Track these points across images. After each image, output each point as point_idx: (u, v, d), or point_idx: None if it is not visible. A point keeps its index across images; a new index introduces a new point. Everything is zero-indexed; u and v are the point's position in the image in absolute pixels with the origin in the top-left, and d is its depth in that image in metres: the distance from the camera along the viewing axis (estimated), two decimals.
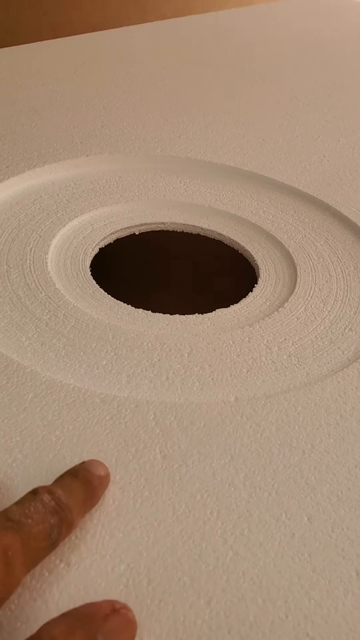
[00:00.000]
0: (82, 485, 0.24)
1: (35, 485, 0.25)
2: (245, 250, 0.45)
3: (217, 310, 0.39)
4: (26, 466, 0.26)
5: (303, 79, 0.72)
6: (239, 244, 0.46)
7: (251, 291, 0.41)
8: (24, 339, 0.34)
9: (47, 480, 0.26)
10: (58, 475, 0.25)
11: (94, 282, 0.40)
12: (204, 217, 0.48)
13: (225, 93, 0.65)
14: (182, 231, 0.48)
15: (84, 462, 0.26)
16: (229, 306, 0.39)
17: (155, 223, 0.47)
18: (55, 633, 0.19)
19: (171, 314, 0.38)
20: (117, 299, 0.38)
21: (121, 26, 0.94)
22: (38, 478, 0.26)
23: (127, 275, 0.51)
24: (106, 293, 0.39)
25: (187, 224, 0.47)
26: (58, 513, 0.22)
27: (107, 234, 0.45)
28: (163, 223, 0.47)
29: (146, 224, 0.47)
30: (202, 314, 0.38)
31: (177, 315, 0.38)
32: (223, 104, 0.62)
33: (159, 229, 0.47)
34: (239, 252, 0.46)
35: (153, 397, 0.31)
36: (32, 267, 0.39)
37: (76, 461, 0.27)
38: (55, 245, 0.42)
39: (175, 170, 0.52)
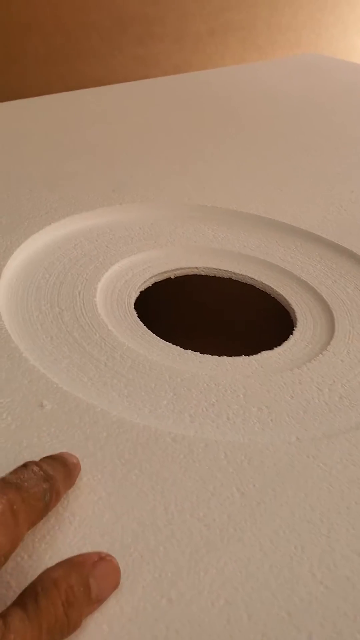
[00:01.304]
0: (62, 465, 0.27)
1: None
2: (279, 295, 0.47)
3: (262, 352, 0.40)
4: (112, 504, 0.27)
5: (309, 133, 0.76)
6: (271, 288, 0.48)
7: (292, 334, 0.42)
8: (85, 379, 0.35)
9: (137, 517, 0.26)
10: (147, 515, 0.26)
11: (142, 324, 0.41)
12: (235, 262, 0.50)
13: (238, 146, 0.68)
14: (215, 275, 0.49)
15: (58, 453, 0.29)
16: (272, 348, 0.41)
17: (189, 267, 0.49)
18: (54, 576, 0.22)
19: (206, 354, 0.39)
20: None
21: (126, 80, 0.98)
22: (126, 515, 0.26)
23: (162, 317, 0.52)
24: (155, 335, 0.40)
25: (220, 269, 0.49)
26: (48, 480, 0.25)
27: (147, 278, 0.46)
28: (197, 267, 0.49)
29: (181, 268, 0.48)
30: (248, 355, 0.40)
31: (225, 357, 0.39)
32: (238, 156, 0.66)
33: (192, 273, 0.49)
34: (272, 296, 0.48)
35: (219, 436, 0.32)
36: (83, 309, 0.40)
37: (159, 498, 0.27)
38: (101, 288, 0.43)
39: (202, 218, 0.54)
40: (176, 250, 0.50)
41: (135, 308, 0.44)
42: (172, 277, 0.48)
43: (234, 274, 0.49)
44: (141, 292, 0.46)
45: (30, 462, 0.26)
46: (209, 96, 0.85)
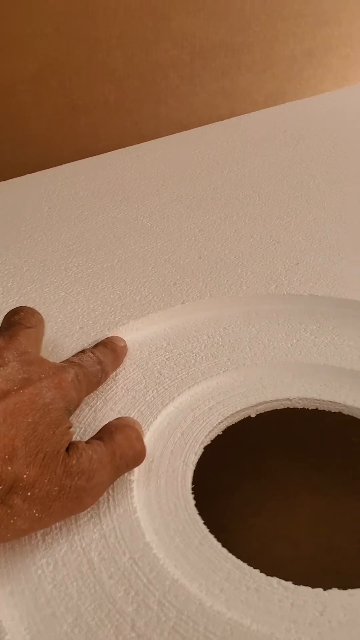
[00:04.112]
0: (111, 352, 0.34)
1: None
2: None
3: None
4: None
5: None
6: None
7: None
8: None
9: None
10: None
11: (210, 535, 0.26)
12: (346, 387, 0.34)
13: (344, 204, 0.52)
14: (317, 409, 0.34)
15: (109, 337, 0.36)
16: None
17: (277, 400, 0.34)
18: (124, 422, 0.30)
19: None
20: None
21: (211, 120, 0.86)
22: None
23: (239, 473, 0.37)
24: (239, 560, 0.25)
25: (323, 400, 0.34)
26: (100, 364, 0.32)
27: (214, 424, 0.32)
28: (289, 399, 0.34)
29: (265, 402, 0.34)
30: None
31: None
32: (344, 219, 0.49)
33: (283, 407, 0.34)
34: None
35: None
36: (112, 499, 0.27)
37: None
38: (149, 451, 0.30)
39: (297, 313, 0.39)
40: (259, 371, 0.35)
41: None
42: (253, 415, 0.34)
43: (346, 406, 0.34)
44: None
45: (86, 349, 0.33)
46: (306, 134, 0.70)
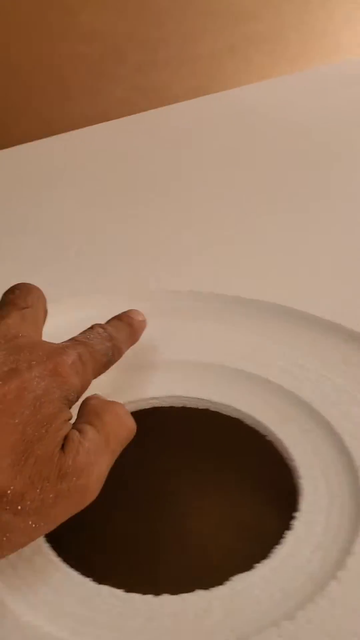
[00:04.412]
0: (126, 326, 0.31)
1: None
2: (277, 439, 0.30)
3: (232, 579, 0.24)
4: None
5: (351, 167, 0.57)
6: (266, 426, 0.31)
7: (287, 529, 0.26)
8: None
9: None
10: None
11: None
12: (216, 383, 0.34)
13: (235, 200, 0.51)
14: (184, 406, 0.33)
15: (126, 311, 0.32)
16: (250, 567, 0.24)
17: (143, 399, 0.33)
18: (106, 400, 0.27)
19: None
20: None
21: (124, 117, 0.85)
22: None
23: (125, 476, 0.36)
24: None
25: (190, 397, 0.33)
26: (111, 340, 0.29)
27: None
28: (156, 398, 0.33)
29: (131, 402, 0.33)
30: (207, 589, 0.23)
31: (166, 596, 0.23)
32: (232, 215, 0.48)
33: (149, 406, 0.33)
34: (267, 438, 0.31)
35: None
36: None
37: None
38: None
39: (174, 310, 0.39)
40: (129, 371, 0.34)
41: None
42: None
43: (212, 403, 0.33)
44: None
45: (96, 324, 0.30)
46: (212, 128, 0.70)
